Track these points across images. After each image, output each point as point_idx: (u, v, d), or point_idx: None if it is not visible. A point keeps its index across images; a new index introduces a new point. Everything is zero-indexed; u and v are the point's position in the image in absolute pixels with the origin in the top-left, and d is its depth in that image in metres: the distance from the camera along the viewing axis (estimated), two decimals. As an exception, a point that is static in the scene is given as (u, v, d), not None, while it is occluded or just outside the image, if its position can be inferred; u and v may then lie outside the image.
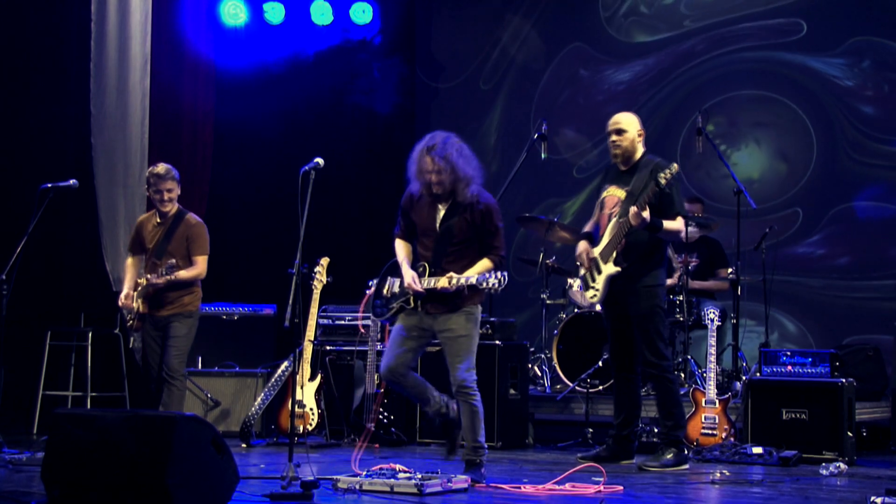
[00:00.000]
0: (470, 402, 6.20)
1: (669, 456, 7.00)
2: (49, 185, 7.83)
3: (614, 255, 7.02)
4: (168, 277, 7.44)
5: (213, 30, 11.01)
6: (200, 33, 10.80)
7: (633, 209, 6.84)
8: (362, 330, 8.47)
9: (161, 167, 7.69)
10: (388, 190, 12.19)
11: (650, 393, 8.32)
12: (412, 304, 6.29)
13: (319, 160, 6.21)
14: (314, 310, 8.22)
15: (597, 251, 7.12)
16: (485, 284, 6.03)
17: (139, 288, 7.55)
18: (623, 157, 7.18)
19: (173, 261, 7.50)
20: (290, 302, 5.88)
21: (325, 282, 8.25)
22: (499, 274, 6.04)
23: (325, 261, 8.32)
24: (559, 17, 11.98)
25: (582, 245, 7.22)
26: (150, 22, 10.21)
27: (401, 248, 6.46)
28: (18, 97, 10.06)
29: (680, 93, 11.31)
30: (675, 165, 6.95)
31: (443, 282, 6.10)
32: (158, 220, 7.72)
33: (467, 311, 6.23)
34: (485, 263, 6.18)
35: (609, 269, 7.03)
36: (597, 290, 7.10)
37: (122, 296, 7.64)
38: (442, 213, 6.32)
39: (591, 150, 11.65)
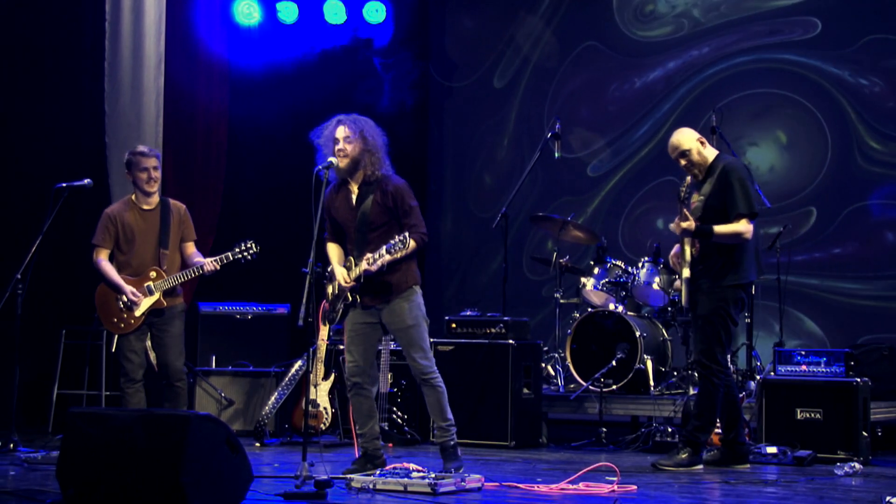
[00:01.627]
0: (434, 386, 6.35)
1: (684, 456, 6.96)
2: (64, 185, 7.83)
3: (689, 259, 6.95)
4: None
5: (226, 29, 11.03)
6: (214, 33, 10.82)
7: (674, 223, 6.86)
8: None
9: (142, 146, 7.51)
10: (401, 189, 12.21)
11: (667, 393, 8.31)
12: (351, 300, 6.40)
13: (333, 160, 6.23)
14: (328, 309, 8.22)
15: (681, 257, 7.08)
16: (394, 251, 6.10)
17: (155, 280, 7.33)
18: (701, 171, 7.05)
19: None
20: (304, 301, 5.89)
21: (338, 281, 8.24)
22: (399, 236, 6.11)
23: (338, 260, 8.31)
24: (573, 16, 11.96)
25: (673, 250, 7.21)
26: (164, 21, 10.23)
27: (331, 250, 6.54)
28: (33, 96, 10.08)
29: (694, 91, 11.28)
30: (696, 171, 6.92)
31: (362, 266, 6.20)
32: (143, 207, 7.40)
33: (406, 297, 6.31)
34: (408, 244, 6.19)
35: (685, 273, 6.96)
36: (682, 293, 7.05)
37: (131, 292, 7.26)
38: (354, 197, 6.39)
39: (605, 148, 11.63)
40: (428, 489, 5.53)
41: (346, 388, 6.51)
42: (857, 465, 6.91)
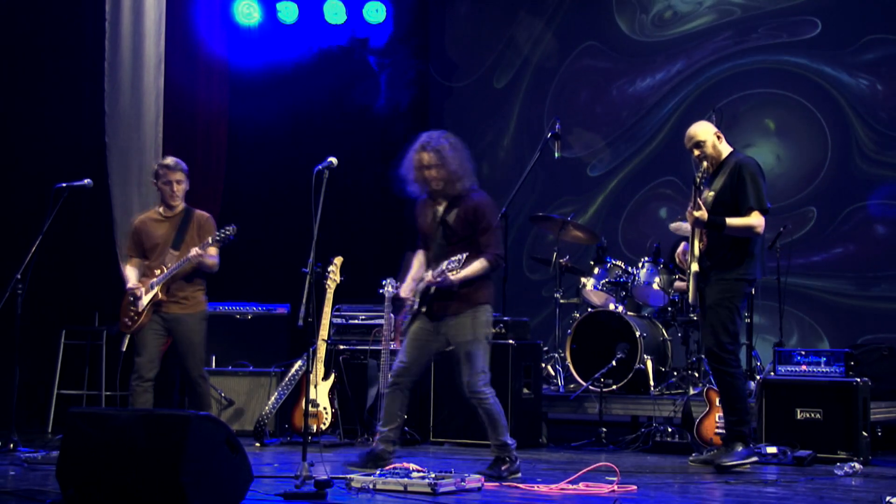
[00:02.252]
0: (483, 406, 6.30)
1: (739, 449, 6.86)
2: (63, 185, 7.85)
3: (698, 254, 6.96)
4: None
5: (226, 29, 11.03)
6: (214, 33, 10.82)
7: (689, 209, 6.86)
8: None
9: (170, 159, 7.64)
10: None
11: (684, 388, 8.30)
12: (416, 309, 6.43)
13: (333, 159, 6.22)
14: (328, 309, 8.23)
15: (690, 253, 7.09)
16: (449, 268, 6.14)
17: (157, 276, 7.47)
18: (713, 165, 7.06)
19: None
20: (304, 301, 5.89)
21: (338, 281, 8.26)
22: (459, 256, 6.13)
23: (338, 260, 8.33)
24: (573, 16, 11.97)
25: (680, 247, 7.22)
26: (164, 21, 10.23)
27: (414, 260, 6.60)
28: (33, 96, 10.09)
29: (695, 91, 11.29)
30: (706, 164, 6.93)
31: (428, 276, 6.29)
32: (164, 215, 7.59)
33: (471, 314, 6.30)
34: (481, 262, 6.25)
35: (693, 268, 6.96)
36: (690, 289, 7.05)
37: (130, 287, 7.43)
38: (441, 210, 6.43)
39: (605, 149, 11.64)
40: (428, 489, 5.53)
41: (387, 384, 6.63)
42: (857, 465, 6.90)
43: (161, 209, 7.64)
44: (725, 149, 7.12)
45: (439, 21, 12.51)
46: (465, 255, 6.14)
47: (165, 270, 7.40)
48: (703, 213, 6.80)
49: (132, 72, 10.16)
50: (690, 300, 7.10)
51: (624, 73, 11.63)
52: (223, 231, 7.46)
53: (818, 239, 10.56)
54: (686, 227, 9.25)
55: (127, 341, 7.72)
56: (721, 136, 7.12)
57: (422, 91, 12.13)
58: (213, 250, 7.45)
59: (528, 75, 12.09)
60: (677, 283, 9.20)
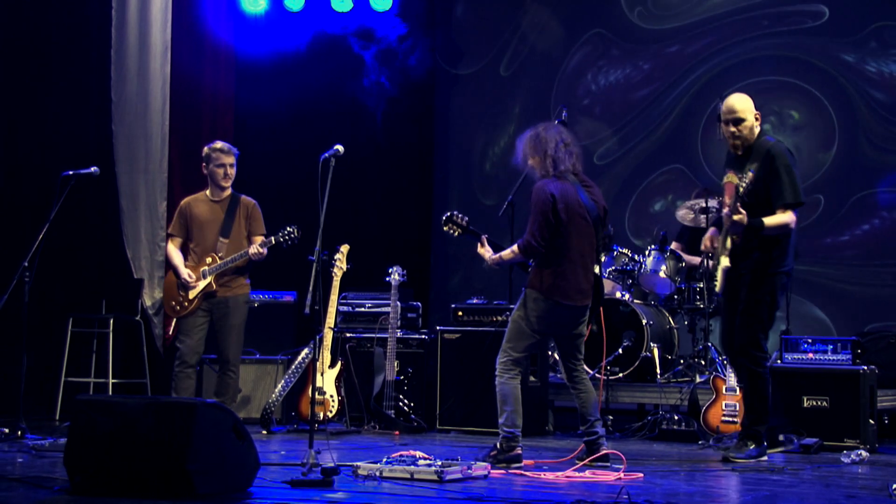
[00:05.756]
0: (496, 383, 6.45)
1: (752, 447, 6.83)
2: (70, 173, 7.88)
3: (729, 246, 6.80)
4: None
5: (233, 17, 11.03)
6: (220, 20, 10.81)
7: (724, 215, 6.72)
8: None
9: (221, 143, 7.90)
10: (407, 176, 12.21)
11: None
12: None
13: (339, 147, 6.21)
14: (334, 297, 8.23)
15: (718, 241, 6.92)
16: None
17: (210, 265, 7.63)
18: (741, 146, 6.91)
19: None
20: (311, 289, 5.90)
21: (344, 269, 8.26)
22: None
23: (345, 248, 8.34)
24: (579, 4, 11.93)
25: (709, 232, 7.09)
26: (170, 8, 10.22)
27: None
28: (40, 85, 10.09)
29: (701, 79, 11.25)
30: (750, 174, 6.67)
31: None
32: (211, 198, 7.79)
33: (523, 294, 6.51)
34: (513, 246, 6.51)
35: (723, 262, 6.79)
36: (716, 281, 6.93)
37: (186, 275, 7.71)
38: None
39: (611, 136, 11.61)
40: (434, 477, 5.54)
41: None
42: (864, 453, 6.90)
43: (209, 192, 7.86)
44: (756, 131, 6.96)
45: (445, 9, 12.47)
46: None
47: (219, 260, 7.59)
48: (742, 218, 6.61)
49: (139, 59, 10.16)
50: (718, 290, 6.97)
51: (630, 60, 11.60)
52: (288, 234, 7.68)
53: (825, 226, 10.54)
54: (692, 215, 9.25)
55: (173, 325, 7.94)
56: (759, 116, 6.97)
57: (428, 79, 12.11)
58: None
59: (534, 63, 12.06)
60: (690, 259, 9.13)
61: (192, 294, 7.69)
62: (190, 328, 7.74)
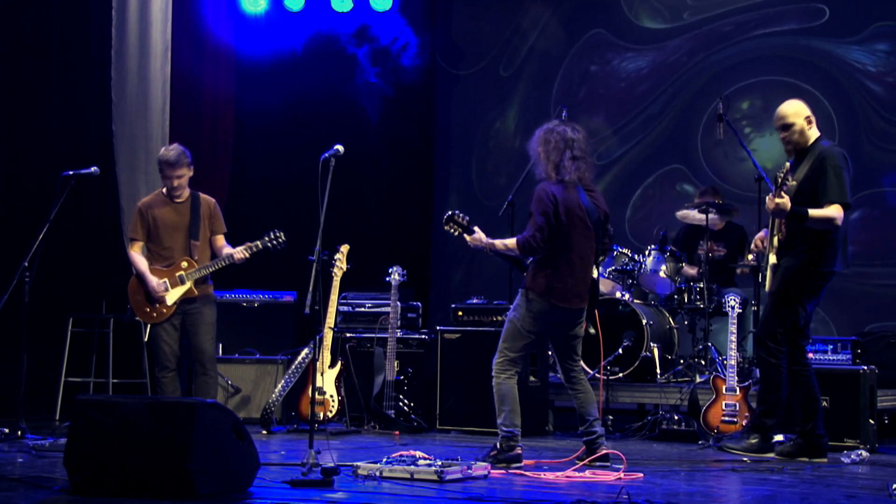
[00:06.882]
0: (493, 384, 6.45)
1: (753, 441, 6.86)
2: (71, 173, 7.87)
3: (776, 245, 6.82)
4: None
5: (233, 17, 11.03)
6: (221, 20, 10.82)
7: (768, 198, 6.66)
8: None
9: (172, 153, 7.56)
10: (408, 176, 12.21)
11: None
12: None
13: (339, 147, 6.21)
14: (334, 297, 8.23)
15: (769, 243, 6.94)
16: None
17: (187, 270, 7.48)
18: (796, 150, 6.90)
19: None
20: (311, 289, 5.90)
21: (345, 269, 8.26)
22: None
23: (345, 248, 8.33)
24: (579, 3, 11.93)
25: (760, 232, 7.09)
26: (170, 9, 10.22)
27: None
28: (40, 85, 10.09)
29: (701, 78, 11.26)
30: (787, 165, 6.67)
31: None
32: (175, 201, 7.62)
33: (520, 294, 6.48)
34: (511, 239, 6.48)
35: (771, 259, 6.84)
36: (768, 279, 6.92)
37: (156, 284, 7.43)
38: None
39: (612, 136, 11.61)
40: (434, 477, 5.54)
41: None
42: (864, 453, 6.91)
43: (165, 191, 7.67)
44: (813, 134, 6.93)
45: (445, 9, 12.48)
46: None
47: (196, 264, 7.45)
48: (785, 202, 6.57)
49: (139, 59, 10.16)
50: (767, 289, 6.95)
51: (630, 60, 11.60)
52: (275, 239, 7.56)
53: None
54: (693, 215, 9.27)
55: (148, 331, 7.81)
56: (813, 120, 6.93)
57: (428, 78, 12.11)
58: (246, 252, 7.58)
59: (534, 63, 12.06)
60: (687, 270, 9.19)
61: (170, 301, 7.45)
62: (167, 332, 7.51)
